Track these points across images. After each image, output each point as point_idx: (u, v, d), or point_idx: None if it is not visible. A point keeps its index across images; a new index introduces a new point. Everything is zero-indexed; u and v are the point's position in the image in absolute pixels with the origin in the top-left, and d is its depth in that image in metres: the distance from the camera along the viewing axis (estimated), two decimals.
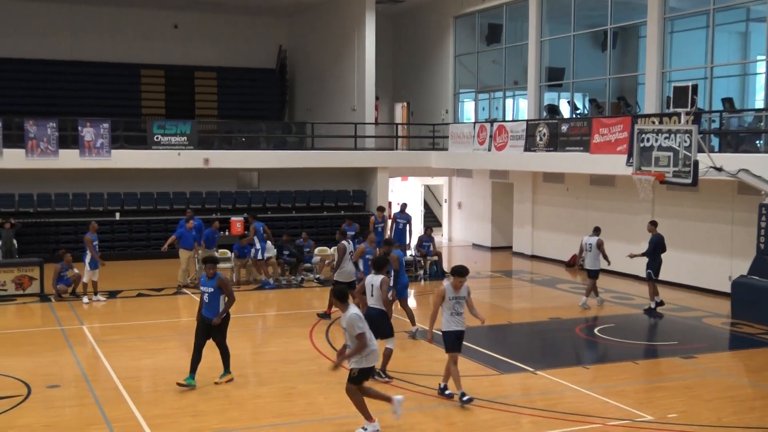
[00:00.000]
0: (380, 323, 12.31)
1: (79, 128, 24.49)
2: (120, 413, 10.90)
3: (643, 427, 10.58)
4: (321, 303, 19.32)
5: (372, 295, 12.41)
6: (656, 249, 18.06)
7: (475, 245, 29.83)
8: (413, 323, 15.55)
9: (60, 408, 11.28)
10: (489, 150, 26.17)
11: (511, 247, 28.13)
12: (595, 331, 16.32)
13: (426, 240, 22.78)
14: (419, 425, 10.59)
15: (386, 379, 12.43)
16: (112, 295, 19.65)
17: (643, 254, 18.23)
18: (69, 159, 24.44)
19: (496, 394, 11.96)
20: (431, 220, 34.13)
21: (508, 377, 12.99)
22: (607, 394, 11.90)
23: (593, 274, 18.49)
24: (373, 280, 12.43)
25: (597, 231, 18.84)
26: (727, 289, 18.32)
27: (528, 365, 13.48)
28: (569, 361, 14.54)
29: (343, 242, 16.43)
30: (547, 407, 11.29)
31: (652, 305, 18.11)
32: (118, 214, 25.83)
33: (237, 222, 25.06)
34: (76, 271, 19.33)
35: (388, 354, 12.50)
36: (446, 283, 11.54)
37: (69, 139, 24.80)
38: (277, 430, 10.34)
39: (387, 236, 20.77)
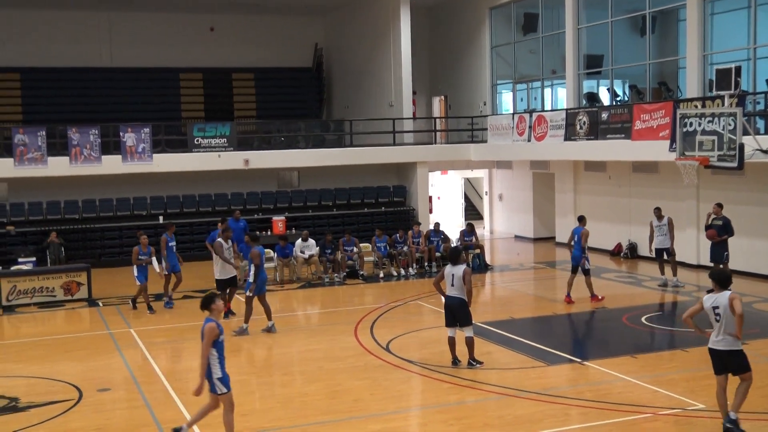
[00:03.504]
0: (459, 312, 12.66)
1: (121, 134, 24.78)
2: (170, 415, 11.00)
3: (694, 415, 10.42)
4: (363, 300, 19.37)
5: (453, 285, 12.63)
6: (729, 231, 17.73)
7: (517, 237, 29.64)
8: (269, 318, 15.66)
9: (111, 411, 11.42)
10: (529, 140, 25.97)
11: (554, 238, 27.90)
12: (643, 319, 16.11)
13: (468, 234, 22.70)
14: (467, 419, 10.53)
15: (478, 365, 12.71)
16: (158, 297, 19.86)
17: (728, 235, 17.69)
18: (112, 165, 24.76)
19: (543, 386, 11.86)
20: (472, 213, 34.02)
21: (555, 369, 12.88)
22: (656, 383, 11.74)
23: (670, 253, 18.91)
24: (454, 270, 12.65)
25: (658, 211, 19.09)
26: None
27: (575, 356, 13.36)
28: (617, 351, 14.35)
29: (219, 240, 17.06)
30: (595, 398, 11.17)
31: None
32: (161, 218, 26.08)
33: (278, 222, 25.17)
34: (157, 269, 18.40)
35: (470, 342, 12.78)
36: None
37: (111, 145, 25.11)
38: (325, 428, 10.35)
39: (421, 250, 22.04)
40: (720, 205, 18.08)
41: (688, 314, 9.75)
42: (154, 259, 18.19)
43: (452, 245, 19.13)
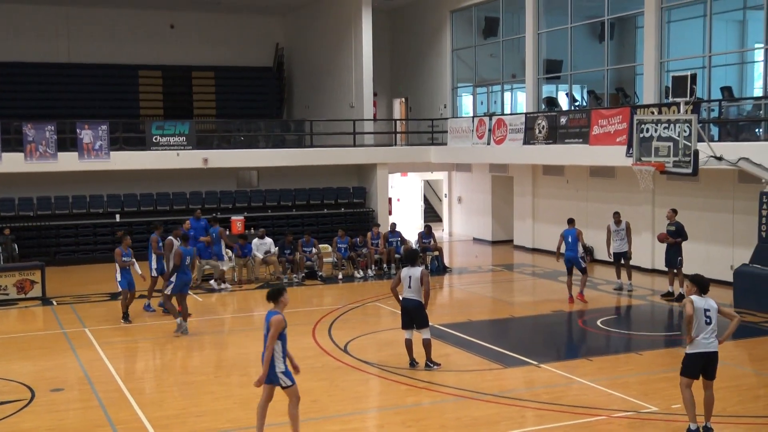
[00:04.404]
0: (416, 314, 12.67)
1: (78, 131, 24.45)
2: (124, 415, 10.90)
3: (647, 418, 10.57)
4: (321, 301, 19.35)
5: (410, 287, 12.61)
6: (682, 235, 18.04)
7: (476, 239, 29.81)
8: (185, 319, 15.59)
9: (64, 411, 11.27)
10: (488, 144, 26.14)
11: (512, 241, 28.11)
12: (598, 322, 16.30)
13: (426, 236, 22.78)
14: (424, 420, 10.58)
15: (436, 367, 12.73)
16: (113, 297, 19.65)
17: (681, 240, 17.98)
18: (68, 162, 24.40)
19: (500, 388, 11.95)
20: (432, 215, 34.14)
21: (511, 371, 12.98)
22: (611, 386, 11.89)
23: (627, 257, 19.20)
24: (411, 272, 12.64)
25: (617, 215, 19.27)
26: (729, 278, 18.31)
27: (532, 358, 13.46)
28: (573, 354, 14.56)
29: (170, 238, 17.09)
30: (551, 400, 11.28)
31: (671, 289, 18.22)
32: (118, 216, 25.80)
33: (237, 221, 25.03)
34: (139, 271, 17.22)
35: (427, 344, 12.80)
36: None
37: (68, 142, 24.75)
38: (283, 429, 10.30)
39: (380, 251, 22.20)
40: (674, 211, 18.39)
41: (689, 323, 9.55)
42: (135, 261, 17.00)
43: (411, 247, 19.21)
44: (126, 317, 16.68)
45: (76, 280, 21.96)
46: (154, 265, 17.83)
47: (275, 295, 9.57)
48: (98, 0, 31.62)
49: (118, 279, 16.60)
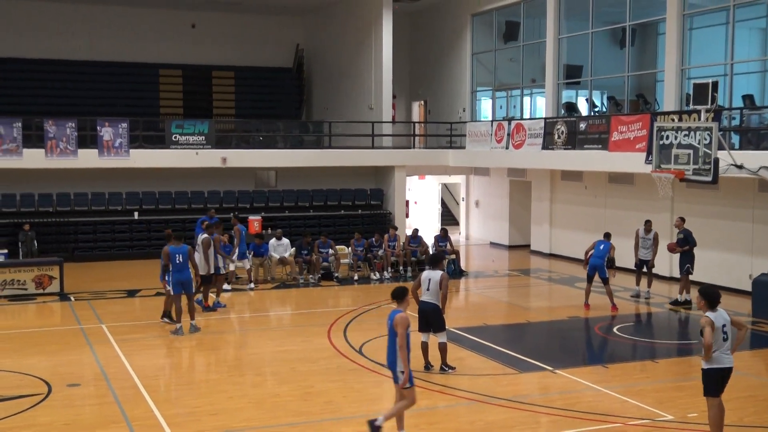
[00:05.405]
0: (433, 317, 12.62)
1: (98, 128, 24.62)
2: (139, 412, 10.95)
3: (663, 426, 10.51)
4: (337, 302, 19.37)
5: (428, 289, 12.54)
6: (690, 242, 18.12)
7: (492, 243, 29.75)
8: (178, 320, 15.47)
9: (80, 407, 11.34)
10: (506, 148, 26.09)
11: (529, 246, 28.04)
12: (615, 329, 16.23)
13: (442, 239, 22.75)
14: (438, 423, 10.57)
15: (450, 371, 12.75)
16: (130, 294, 19.76)
17: (689, 248, 18.03)
18: (88, 159, 24.57)
19: (514, 393, 11.92)
20: (449, 219, 34.12)
21: (526, 376, 12.94)
22: (626, 393, 11.83)
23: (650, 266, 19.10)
24: (431, 275, 12.56)
25: (648, 224, 19.19)
26: (748, 287, 18.20)
27: (547, 364, 13.42)
28: (588, 360, 14.49)
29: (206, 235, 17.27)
30: (566, 406, 11.24)
31: (680, 299, 18.23)
32: (136, 214, 25.95)
33: (255, 221, 25.10)
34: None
35: (443, 348, 12.80)
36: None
37: (88, 139, 24.92)
38: (296, 429, 10.34)
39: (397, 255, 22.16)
40: (682, 219, 18.51)
41: (709, 350, 9.22)
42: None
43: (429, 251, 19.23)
44: (170, 317, 16.04)
45: (94, 277, 22.09)
46: (220, 263, 18.03)
47: (401, 294, 9.88)
48: None
49: (171, 282, 15.47)
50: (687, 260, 18.15)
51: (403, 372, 9.48)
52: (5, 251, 22.43)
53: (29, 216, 24.61)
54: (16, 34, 31.38)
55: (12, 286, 19.14)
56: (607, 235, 18.44)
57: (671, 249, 18.43)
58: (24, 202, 25.02)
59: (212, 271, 17.39)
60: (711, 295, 9.43)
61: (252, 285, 20.31)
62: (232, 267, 19.88)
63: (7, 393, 11.71)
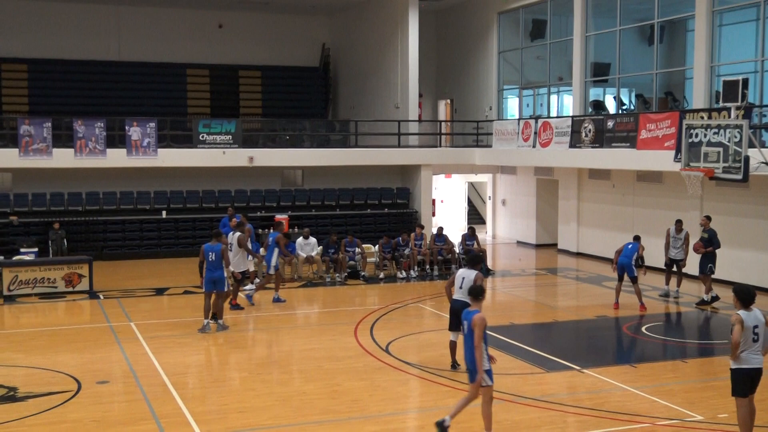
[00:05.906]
0: None
1: (126, 128, 24.84)
2: (168, 409, 11.02)
3: (692, 427, 10.41)
4: (364, 301, 19.38)
5: (461, 287, 12.39)
6: (714, 243, 17.98)
7: (519, 242, 29.64)
8: (206, 317, 15.64)
9: (109, 404, 11.45)
10: (533, 147, 25.97)
11: (556, 245, 27.90)
12: (643, 329, 16.11)
13: (469, 238, 22.69)
14: (465, 423, 10.53)
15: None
16: (158, 292, 19.90)
17: (714, 248, 17.94)
18: (117, 158, 24.80)
19: (541, 392, 11.87)
20: (475, 217, 34.04)
21: (554, 375, 12.88)
22: (655, 393, 11.74)
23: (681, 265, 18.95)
24: (466, 273, 12.44)
25: (680, 223, 19.03)
26: None
27: (574, 363, 13.35)
28: (616, 360, 14.38)
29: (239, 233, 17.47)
30: (593, 406, 11.17)
31: (706, 298, 18.02)
32: (164, 213, 26.14)
33: (282, 220, 25.17)
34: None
35: None
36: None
37: (116, 139, 25.15)
38: (323, 428, 10.36)
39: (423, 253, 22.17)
40: (708, 218, 18.38)
41: (736, 348, 9.12)
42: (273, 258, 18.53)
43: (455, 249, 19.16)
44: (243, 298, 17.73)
45: (123, 275, 22.28)
46: (273, 262, 18.46)
47: (479, 293, 10.03)
48: None
49: (273, 262, 18.34)
50: (709, 260, 18.02)
51: (486, 371, 9.60)
52: (35, 250, 22.74)
53: (59, 215, 24.88)
54: (47, 35, 31.72)
55: (42, 284, 19.35)
56: (637, 238, 18.32)
57: (696, 249, 18.29)
58: (54, 201, 25.30)
59: (270, 271, 18.51)
60: (744, 294, 9.32)
61: (253, 286, 19.62)
62: (252, 267, 19.97)
63: (37, 390, 11.85)
